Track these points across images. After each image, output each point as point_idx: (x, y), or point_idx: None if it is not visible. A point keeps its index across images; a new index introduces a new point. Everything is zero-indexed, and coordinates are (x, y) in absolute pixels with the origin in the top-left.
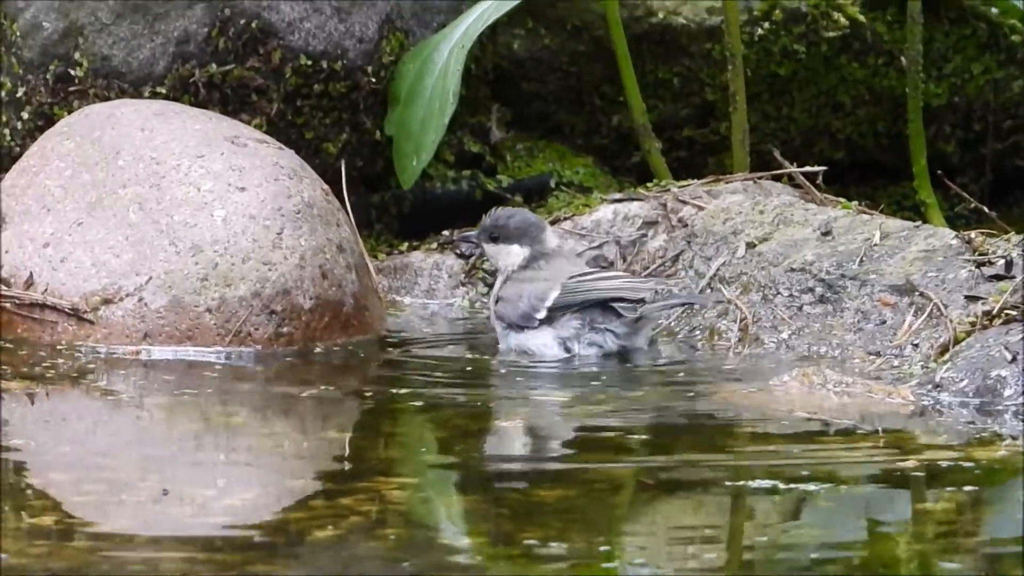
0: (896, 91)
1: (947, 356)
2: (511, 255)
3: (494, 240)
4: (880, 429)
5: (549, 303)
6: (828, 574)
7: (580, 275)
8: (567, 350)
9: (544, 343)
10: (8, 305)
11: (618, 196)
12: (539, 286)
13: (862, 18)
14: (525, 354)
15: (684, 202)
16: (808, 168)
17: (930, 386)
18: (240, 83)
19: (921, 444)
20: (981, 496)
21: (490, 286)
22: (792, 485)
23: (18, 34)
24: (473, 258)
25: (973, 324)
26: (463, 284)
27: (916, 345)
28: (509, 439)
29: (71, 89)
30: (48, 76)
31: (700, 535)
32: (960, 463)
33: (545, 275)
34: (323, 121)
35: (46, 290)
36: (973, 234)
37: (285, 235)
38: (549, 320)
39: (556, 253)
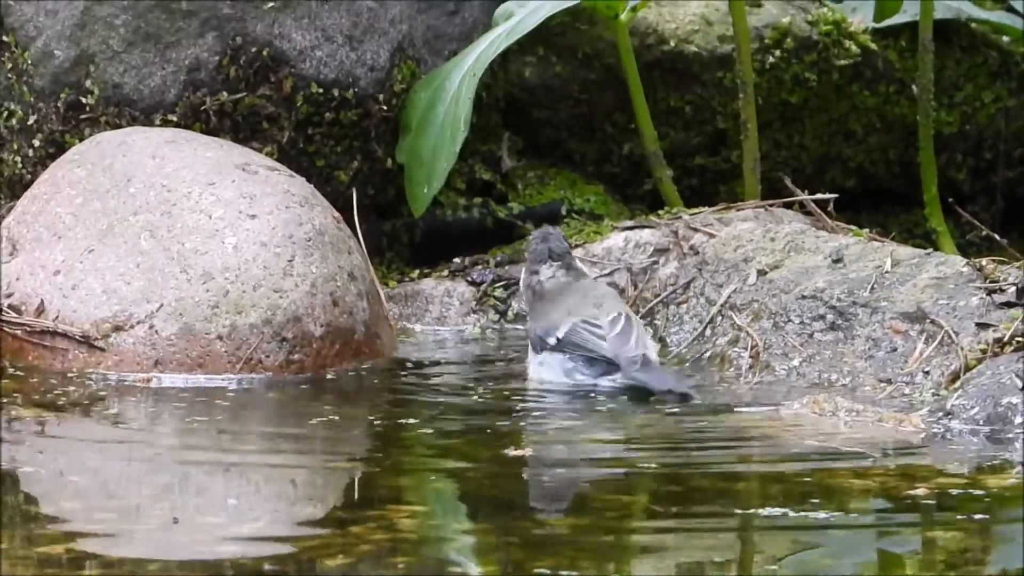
0: (907, 119)
1: (958, 384)
2: (535, 275)
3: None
4: (891, 456)
5: (559, 335)
6: None
7: (589, 323)
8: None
9: (551, 365)
10: (19, 332)
11: (629, 224)
12: (554, 319)
13: (873, 46)
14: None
15: (695, 229)
16: (819, 196)
17: (941, 414)
18: (251, 111)
19: (931, 472)
20: (991, 524)
21: (501, 313)
22: (802, 512)
23: (29, 62)
24: (484, 285)
25: (984, 351)
26: (474, 311)
27: (927, 372)
28: (520, 467)
29: (82, 117)
30: (59, 104)
31: (711, 563)
32: (970, 491)
33: (563, 305)
34: (334, 149)
35: (57, 317)
36: (984, 261)
37: (296, 262)
38: (561, 349)
39: (552, 290)
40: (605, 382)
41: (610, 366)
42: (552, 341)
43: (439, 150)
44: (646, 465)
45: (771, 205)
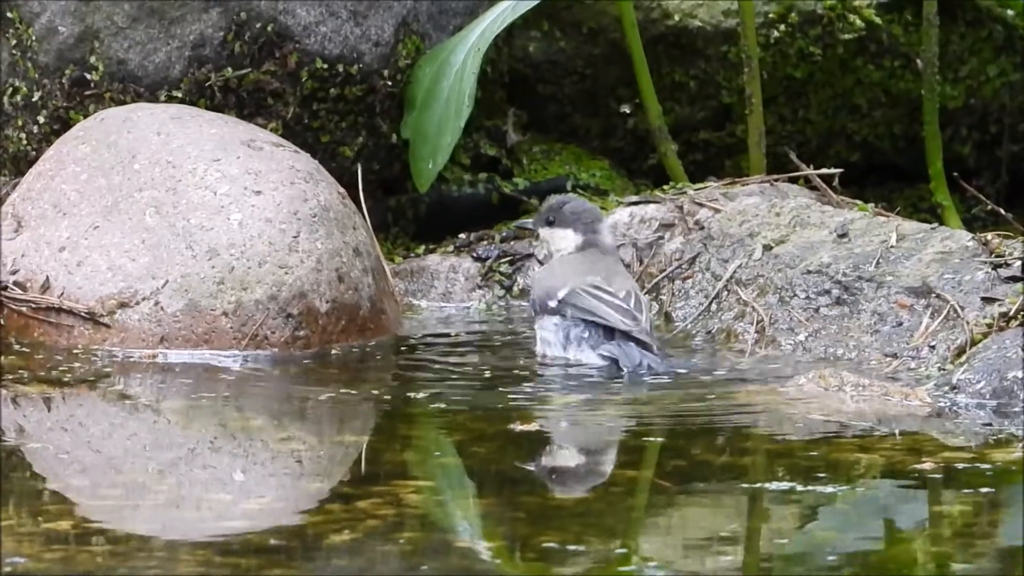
0: (912, 93)
1: (964, 358)
2: (565, 239)
3: (550, 224)
4: (897, 431)
5: (560, 297)
6: None
7: (592, 286)
8: (564, 344)
9: (548, 331)
10: (25, 309)
11: (634, 199)
12: (557, 283)
13: (878, 20)
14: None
15: (700, 204)
16: (824, 170)
17: (947, 388)
18: (256, 87)
19: (938, 446)
20: (998, 498)
21: (506, 288)
22: (809, 487)
23: (34, 38)
24: (490, 261)
25: (990, 326)
26: (479, 287)
27: (933, 347)
28: (526, 442)
29: (87, 93)
30: (64, 80)
31: (717, 537)
32: (977, 465)
33: (570, 270)
34: (339, 125)
35: (62, 294)
36: (989, 236)
37: (301, 238)
38: (559, 311)
39: (608, 248)
40: (594, 355)
41: (608, 333)
42: (552, 304)
43: (444, 125)
44: (652, 440)
45: (776, 180)
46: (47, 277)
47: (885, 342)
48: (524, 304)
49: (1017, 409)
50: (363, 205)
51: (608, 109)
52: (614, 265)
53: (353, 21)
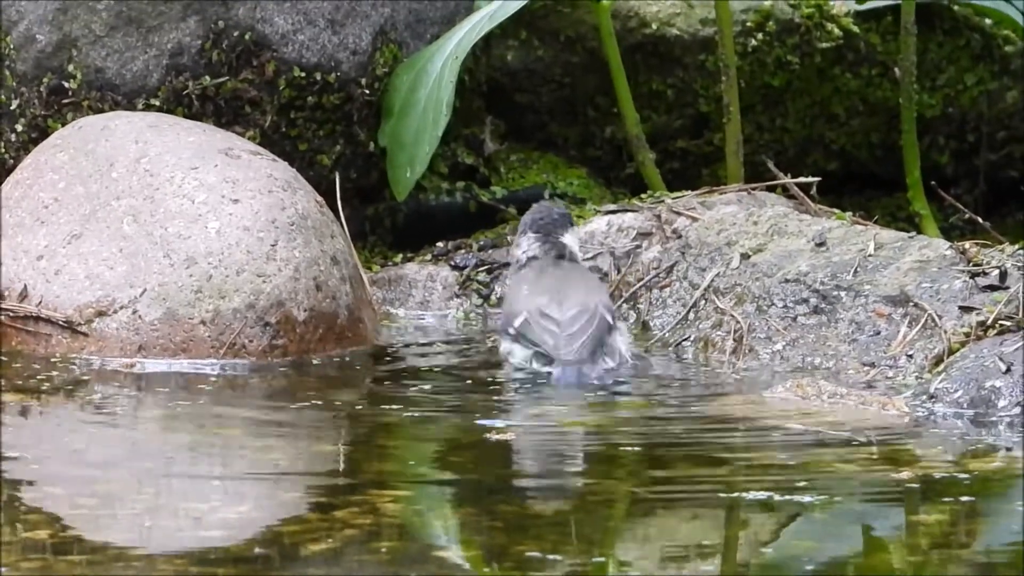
0: (890, 102)
1: (941, 367)
2: (518, 248)
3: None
4: (874, 440)
5: (516, 325)
6: None
7: (541, 313)
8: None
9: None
10: (2, 318)
11: (612, 207)
12: (516, 308)
13: (856, 29)
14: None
15: (678, 213)
16: (802, 179)
17: (924, 397)
18: (234, 95)
19: (915, 455)
20: (976, 507)
21: (484, 297)
22: (787, 497)
23: (12, 47)
24: (467, 269)
25: (968, 335)
26: (457, 296)
27: (910, 356)
28: (503, 452)
29: (65, 101)
30: (42, 88)
31: (695, 548)
32: (954, 474)
33: (525, 292)
34: (317, 133)
35: (40, 303)
36: (967, 245)
37: (279, 247)
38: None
39: (558, 259)
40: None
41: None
42: (511, 331)
43: (421, 134)
44: (630, 449)
45: (754, 188)
46: (25, 286)
47: (863, 351)
48: (501, 312)
49: (995, 418)
50: (341, 213)
51: (586, 118)
52: (563, 281)
53: (331, 29)
